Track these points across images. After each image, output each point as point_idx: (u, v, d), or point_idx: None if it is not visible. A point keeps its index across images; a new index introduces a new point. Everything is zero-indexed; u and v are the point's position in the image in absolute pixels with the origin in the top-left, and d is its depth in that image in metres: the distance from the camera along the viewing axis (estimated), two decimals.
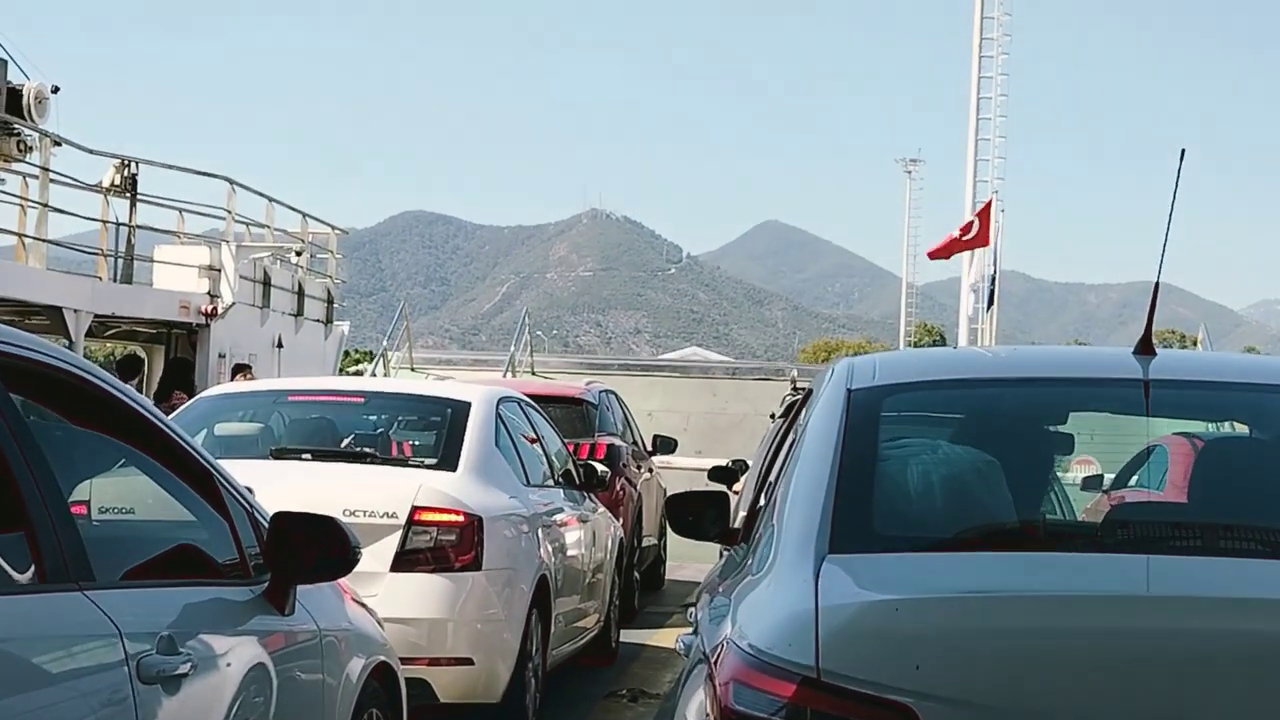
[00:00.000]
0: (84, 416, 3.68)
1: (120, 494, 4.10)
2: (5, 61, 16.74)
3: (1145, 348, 3.77)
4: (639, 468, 14.05)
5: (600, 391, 14.37)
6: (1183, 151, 3.70)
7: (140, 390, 14.61)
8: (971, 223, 28.11)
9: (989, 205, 28.71)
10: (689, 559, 15.11)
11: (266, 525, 4.13)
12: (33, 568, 3.08)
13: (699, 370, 32.58)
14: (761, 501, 4.44)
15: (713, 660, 3.12)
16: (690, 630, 4.17)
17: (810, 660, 2.78)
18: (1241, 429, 4.19)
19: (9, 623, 2.91)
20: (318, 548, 4.05)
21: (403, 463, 8.03)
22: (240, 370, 16.53)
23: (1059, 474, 4.35)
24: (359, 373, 32.60)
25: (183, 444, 3.96)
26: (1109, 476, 4.88)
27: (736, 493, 10.82)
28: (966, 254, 29.57)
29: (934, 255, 29.38)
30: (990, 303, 29.10)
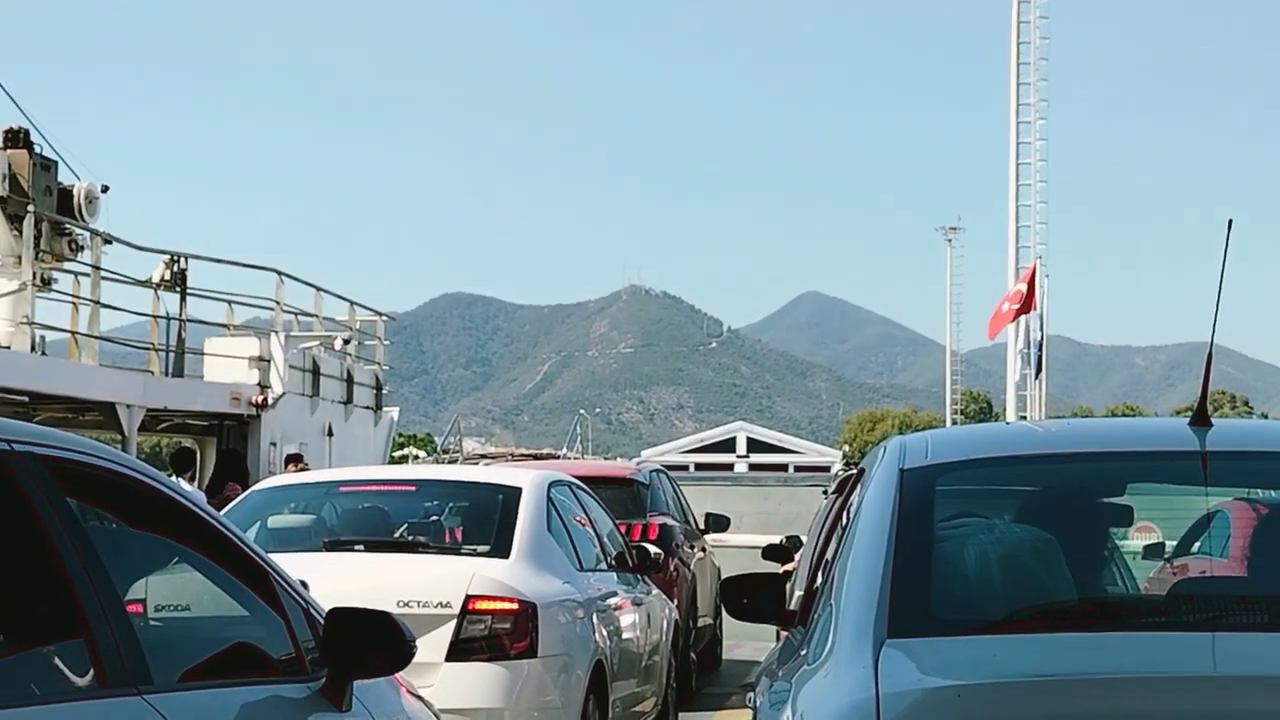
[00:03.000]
0: (138, 516, 3.71)
1: (175, 592, 4.11)
2: (56, 163, 17.05)
3: (1201, 419, 3.73)
4: (692, 547, 13.98)
5: (651, 471, 14.35)
6: (1230, 222, 3.68)
7: (195, 483, 14.70)
8: (1020, 290, 28.07)
9: (1034, 270, 28.68)
10: (746, 638, 15.00)
11: (322, 620, 4.13)
12: (91, 673, 3.08)
13: (750, 480, 33.19)
14: (818, 582, 4.40)
15: None
16: (750, 717, 4.13)
17: None
18: None
19: None
20: (374, 643, 4.04)
21: (455, 551, 8.02)
22: (293, 460, 16.62)
23: (1119, 544, 4.30)
24: (404, 459, 32.74)
25: (236, 540, 3.97)
26: (1170, 543, 4.82)
27: (790, 571, 10.76)
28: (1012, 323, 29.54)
29: (994, 332, 29.32)
30: (1038, 370, 28.96)
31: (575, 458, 29.33)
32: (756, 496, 27.73)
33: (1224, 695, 2.80)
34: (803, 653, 3.56)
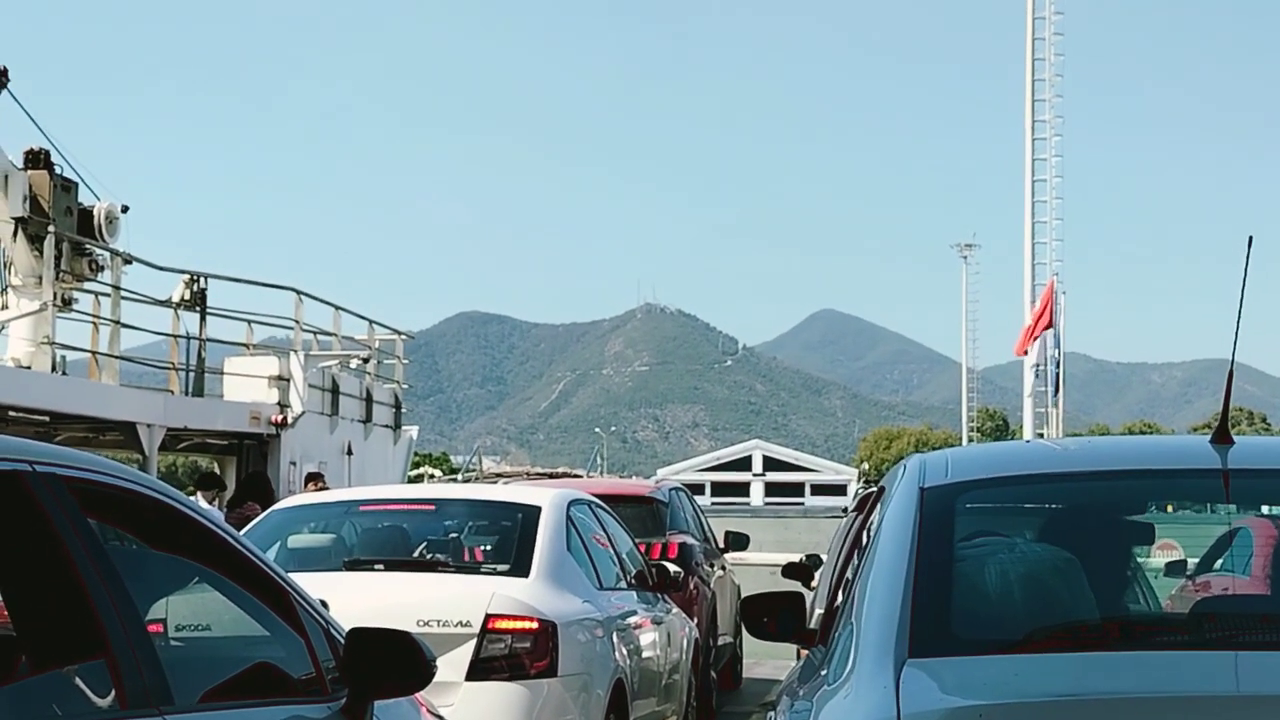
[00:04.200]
0: (158, 536, 3.72)
1: (196, 612, 4.12)
2: (76, 184, 17.14)
3: (1222, 436, 3.71)
4: (712, 565, 13.95)
5: (670, 490, 14.32)
6: (1250, 239, 3.67)
7: (216, 505, 14.73)
8: (1045, 308, 28.08)
9: (1051, 287, 28.65)
10: (766, 656, 14.97)
11: (342, 640, 4.13)
12: (113, 693, 3.09)
13: (770, 513, 33.50)
14: (838, 601, 4.39)
15: None
16: None
17: None
18: None
19: None
20: (394, 663, 4.04)
21: (475, 570, 8.02)
22: (312, 479, 16.65)
23: (1141, 562, 4.28)
24: (419, 478, 32.78)
25: (256, 560, 3.98)
26: (1193, 561, 4.79)
27: (813, 588, 10.73)
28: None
29: (1022, 348, 29.29)
30: (1057, 387, 28.91)
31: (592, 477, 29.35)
32: (777, 526, 27.72)
33: (1247, 715, 2.78)
34: (823, 672, 3.55)
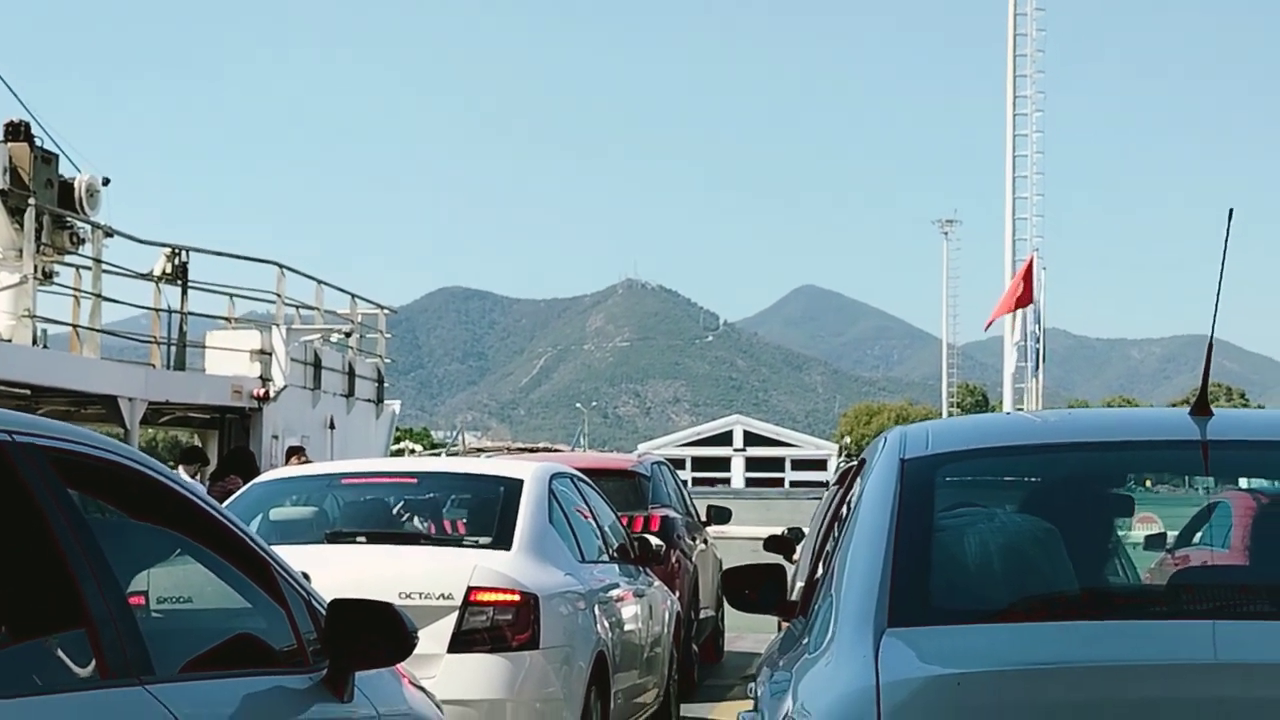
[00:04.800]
0: (139, 508, 3.71)
1: (178, 584, 4.12)
2: (57, 155, 17.05)
3: (1201, 408, 3.73)
4: (694, 539, 13.99)
5: (652, 463, 14.34)
6: (1230, 211, 3.67)
7: (198, 479, 14.70)
8: (1019, 284, 28.10)
9: (1030, 263, 28.69)
10: (748, 630, 15.01)
11: (324, 612, 4.13)
12: (94, 663, 3.09)
13: (752, 494, 33.61)
14: (819, 573, 4.41)
15: None
16: (750, 706, 4.13)
17: None
18: None
19: None
20: (375, 634, 4.05)
21: (457, 542, 8.03)
22: (294, 453, 16.62)
23: (1121, 535, 4.30)
24: (400, 453, 32.75)
25: (238, 531, 3.98)
26: (1172, 534, 4.82)
27: (794, 561, 10.76)
28: (1009, 314, 29.54)
29: (990, 324, 29.32)
30: (1037, 363, 28.97)
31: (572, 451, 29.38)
32: (759, 508, 27.75)
33: (1224, 682, 2.80)
34: (804, 642, 3.57)
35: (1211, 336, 3.69)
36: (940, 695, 2.81)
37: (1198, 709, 2.74)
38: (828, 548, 4.40)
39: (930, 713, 2.78)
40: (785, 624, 4.93)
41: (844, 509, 4.27)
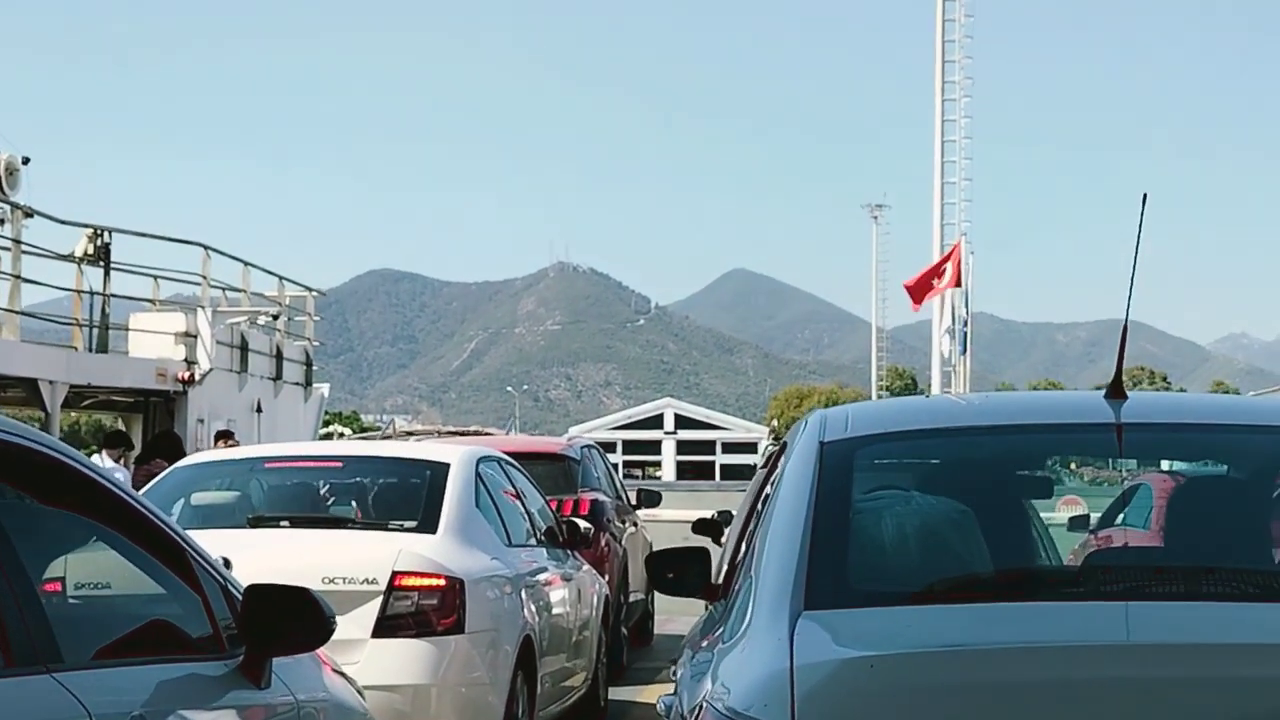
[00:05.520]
0: (52, 494, 3.64)
1: (91, 571, 4.06)
2: None
3: (1116, 391, 3.76)
4: (624, 522, 13.99)
5: (582, 447, 14.32)
6: (1144, 196, 3.70)
7: (123, 463, 14.52)
8: (944, 267, 28.29)
9: (957, 247, 28.92)
10: (678, 613, 15.01)
11: (240, 597, 4.09)
12: None
13: (684, 487, 33.89)
14: (740, 555, 4.41)
15: None
16: (671, 690, 4.13)
17: None
18: (1220, 468, 4.18)
19: None
20: (292, 619, 4.00)
21: (382, 526, 7.97)
22: (222, 437, 16.46)
23: (1044, 516, 4.33)
24: (328, 436, 32.53)
25: (152, 517, 3.92)
26: (1095, 516, 4.86)
27: (722, 545, 10.78)
28: (937, 297, 29.72)
29: (911, 289, 29.42)
30: (965, 346, 29.23)
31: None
32: (689, 499, 27.83)
33: (1137, 663, 2.82)
34: (723, 625, 3.57)
35: (1126, 320, 3.72)
36: (854, 677, 2.82)
37: (1111, 689, 2.76)
38: (750, 530, 4.40)
39: (844, 695, 2.78)
40: (709, 607, 4.93)
41: (768, 490, 4.27)
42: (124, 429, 18.86)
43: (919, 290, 28.51)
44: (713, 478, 59.78)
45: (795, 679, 2.80)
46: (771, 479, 4.30)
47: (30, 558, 3.30)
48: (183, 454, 15.69)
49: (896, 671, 2.82)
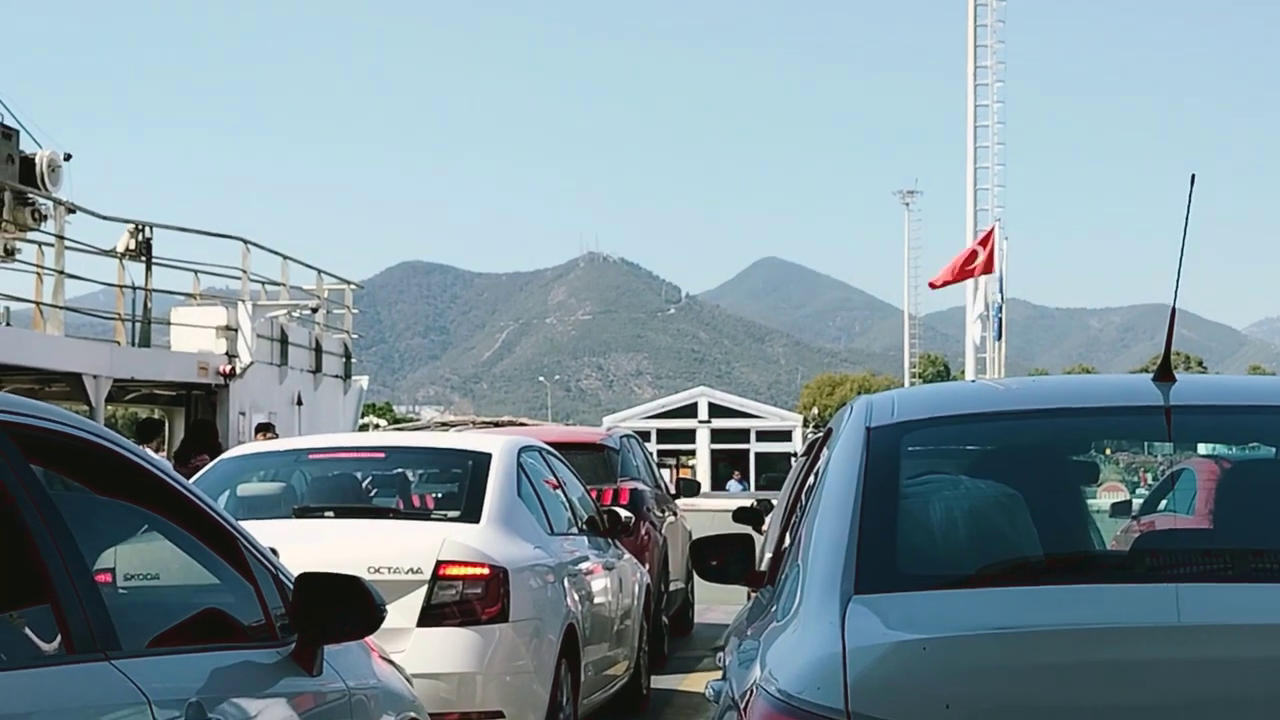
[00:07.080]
0: (105, 484, 3.69)
1: (145, 561, 4.10)
2: (17, 131, 16.89)
3: (1165, 374, 3.75)
4: (663, 511, 14.01)
5: (621, 436, 14.35)
6: (1193, 177, 3.69)
7: (160, 453, 14.63)
8: (975, 252, 28.10)
9: (991, 233, 28.75)
10: (717, 602, 15.05)
11: (291, 586, 4.13)
12: (59, 639, 3.08)
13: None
14: (786, 542, 4.42)
15: (742, 706, 3.10)
16: (719, 676, 4.15)
17: (839, 703, 2.76)
18: (1267, 451, 4.17)
19: (37, 695, 2.91)
20: (343, 607, 4.04)
21: (425, 516, 8.02)
22: (263, 429, 16.57)
23: (1088, 502, 4.32)
24: (364, 428, 32.65)
25: (205, 507, 3.97)
26: (1137, 503, 4.85)
27: (763, 533, 10.79)
28: (970, 283, 29.52)
29: (935, 285, 29.30)
30: (999, 333, 29.05)
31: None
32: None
33: (1187, 644, 2.83)
34: (771, 610, 3.58)
35: (1175, 302, 3.71)
36: (906, 660, 2.83)
37: (1163, 670, 2.76)
38: (795, 517, 4.41)
39: (896, 678, 2.79)
40: (754, 594, 4.95)
41: (811, 478, 4.28)
42: (158, 419, 19.02)
43: (944, 279, 28.31)
44: (746, 468, 59.50)
45: (848, 662, 2.81)
46: (815, 465, 4.30)
47: (88, 547, 3.34)
48: (220, 444, 15.82)
49: (949, 654, 2.83)
